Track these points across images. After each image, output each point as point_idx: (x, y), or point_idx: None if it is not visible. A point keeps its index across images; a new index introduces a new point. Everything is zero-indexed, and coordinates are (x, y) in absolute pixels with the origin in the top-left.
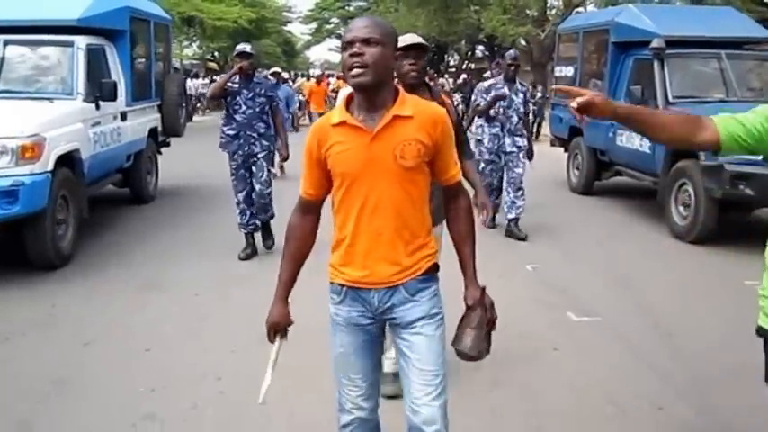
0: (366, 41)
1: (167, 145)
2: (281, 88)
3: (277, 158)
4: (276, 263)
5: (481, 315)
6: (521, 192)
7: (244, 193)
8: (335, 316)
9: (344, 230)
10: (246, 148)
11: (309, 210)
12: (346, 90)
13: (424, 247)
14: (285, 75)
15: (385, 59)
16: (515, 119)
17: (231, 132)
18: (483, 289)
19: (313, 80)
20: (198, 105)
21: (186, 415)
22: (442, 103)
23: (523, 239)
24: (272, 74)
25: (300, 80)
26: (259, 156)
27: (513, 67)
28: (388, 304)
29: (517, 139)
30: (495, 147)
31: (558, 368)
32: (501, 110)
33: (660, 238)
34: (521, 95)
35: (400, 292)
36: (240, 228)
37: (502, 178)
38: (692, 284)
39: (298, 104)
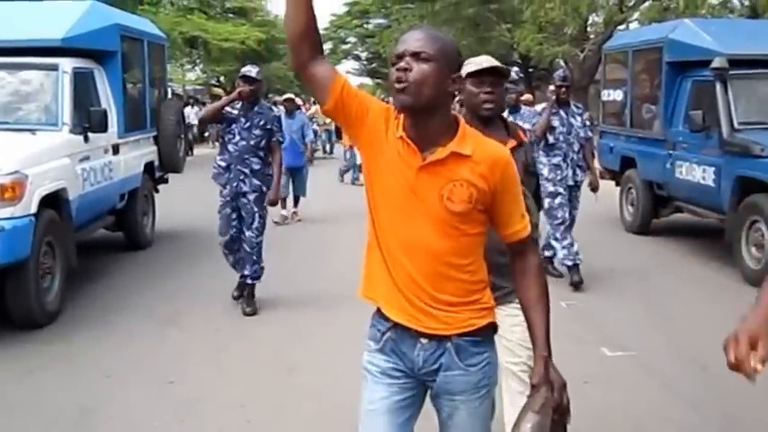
0: (416, 55)
1: (165, 182)
2: (296, 117)
3: (289, 203)
4: (284, 302)
5: (546, 397)
6: (571, 231)
7: (227, 237)
8: (369, 365)
9: (381, 262)
10: (235, 184)
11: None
12: None
13: (478, 302)
14: (299, 101)
15: (435, 80)
16: (577, 146)
17: (223, 164)
18: (552, 366)
19: None
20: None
21: None
22: (519, 143)
23: (560, 276)
24: (285, 101)
25: (315, 107)
26: (248, 196)
27: (563, 89)
28: (435, 366)
29: (578, 171)
30: (559, 178)
31: (587, 400)
32: (561, 136)
33: (729, 284)
34: (578, 118)
35: (450, 353)
36: (227, 259)
37: (572, 212)
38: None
39: (313, 135)
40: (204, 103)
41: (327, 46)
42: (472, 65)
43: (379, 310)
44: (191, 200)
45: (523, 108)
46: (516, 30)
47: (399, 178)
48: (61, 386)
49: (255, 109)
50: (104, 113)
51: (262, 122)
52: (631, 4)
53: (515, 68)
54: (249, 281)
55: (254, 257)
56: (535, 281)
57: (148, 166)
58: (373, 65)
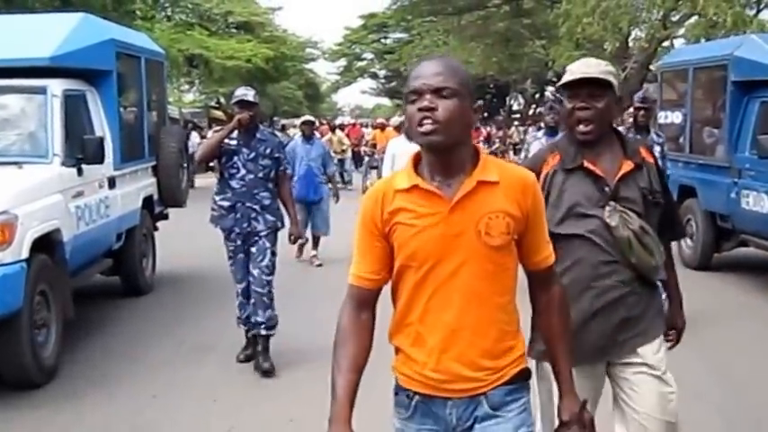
0: (438, 92)
1: (165, 218)
2: (315, 143)
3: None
4: (299, 360)
5: None
6: None
7: (243, 284)
8: None
9: (409, 317)
10: (246, 225)
11: (366, 302)
12: (398, 144)
13: (514, 349)
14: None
15: (463, 115)
16: None
17: (226, 204)
18: (584, 403)
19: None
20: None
21: None
22: (638, 164)
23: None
24: (303, 123)
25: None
26: (261, 234)
27: (642, 111)
28: (470, 422)
29: None
30: None
31: None
32: None
33: None
34: (657, 148)
35: (482, 405)
36: (239, 323)
37: None
38: None
39: (335, 166)
40: (201, 128)
41: (341, 63)
42: (568, 74)
43: (403, 365)
44: (193, 238)
45: (561, 133)
46: (551, 46)
47: (430, 228)
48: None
49: (257, 136)
50: (100, 142)
51: (268, 151)
52: (675, 19)
53: (551, 89)
54: (263, 331)
55: (267, 300)
56: (560, 312)
57: (147, 201)
58: (392, 83)
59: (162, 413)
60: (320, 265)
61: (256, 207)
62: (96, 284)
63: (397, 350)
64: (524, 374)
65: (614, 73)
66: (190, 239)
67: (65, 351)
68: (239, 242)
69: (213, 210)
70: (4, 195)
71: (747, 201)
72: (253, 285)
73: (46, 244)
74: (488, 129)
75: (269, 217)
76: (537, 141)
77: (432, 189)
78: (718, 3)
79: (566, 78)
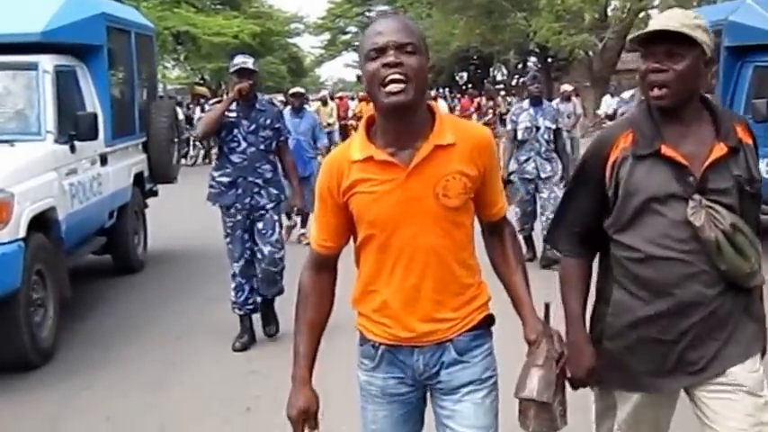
0: (401, 47)
1: (154, 194)
2: (305, 116)
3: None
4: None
5: (548, 349)
6: None
7: (242, 262)
8: (368, 386)
9: (374, 284)
10: (248, 200)
11: (326, 265)
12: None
13: (477, 298)
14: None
15: (426, 72)
16: None
17: (226, 179)
18: (544, 322)
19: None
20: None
21: None
22: (733, 147)
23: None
24: (293, 95)
25: (316, 104)
26: (267, 207)
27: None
28: (436, 368)
29: None
30: None
31: None
32: None
33: None
34: None
35: (449, 351)
36: (234, 308)
37: None
38: None
39: (327, 138)
40: (181, 104)
41: (325, 37)
42: (650, 25)
43: (369, 320)
44: (183, 214)
45: (546, 103)
46: (532, 18)
47: (387, 196)
48: None
49: (257, 107)
50: (94, 118)
51: (268, 121)
52: None
53: (533, 59)
54: (270, 296)
55: (278, 277)
56: (512, 249)
57: (138, 178)
58: None
59: (158, 395)
60: (308, 244)
61: (259, 181)
62: (88, 263)
63: (361, 314)
64: (488, 321)
65: (704, 27)
66: (181, 215)
67: (62, 331)
68: (240, 217)
69: (212, 187)
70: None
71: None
72: (263, 264)
73: (41, 222)
74: (479, 99)
75: (272, 190)
76: (524, 113)
77: (387, 158)
78: None
79: (640, 32)
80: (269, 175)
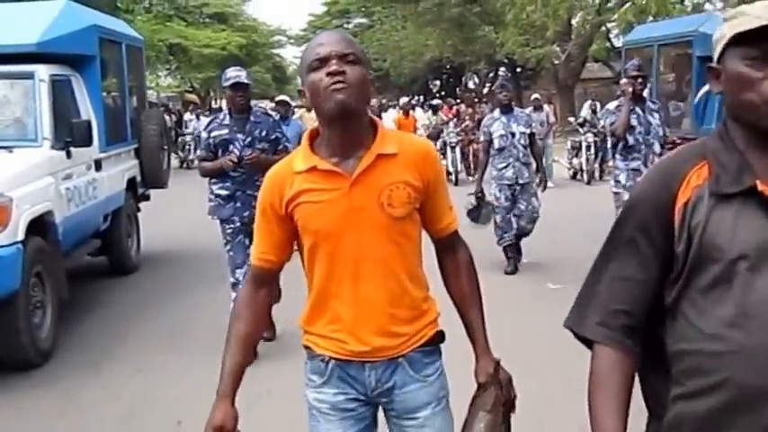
0: (343, 57)
1: (146, 199)
2: (292, 123)
3: None
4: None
5: (496, 395)
6: None
7: (244, 269)
8: (317, 403)
9: (324, 297)
10: (246, 213)
11: (265, 280)
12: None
13: (427, 313)
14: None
15: (367, 82)
16: (657, 147)
17: (224, 192)
18: (497, 362)
19: (396, 111)
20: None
21: None
22: None
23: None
24: (278, 103)
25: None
26: None
27: (639, 80)
28: (389, 384)
29: None
30: None
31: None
32: (639, 137)
33: None
34: (656, 116)
35: (403, 368)
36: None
37: None
38: None
39: None
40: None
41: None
42: (742, 19)
43: (317, 335)
44: (174, 217)
45: (517, 110)
46: (500, 31)
47: (332, 205)
48: None
49: (251, 119)
50: (89, 125)
51: (264, 133)
52: (610, 5)
53: (503, 69)
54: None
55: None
56: (468, 277)
57: (131, 183)
58: None
59: (153, 391)
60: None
61: (257, 194)
62: (83, 264)
63: (309, 332)
64: (439, 337)
65: None
66: (172, 216)
67: (60, 332)
68: (239, 224)
69: (210, 200)
70: None
71: None
72: None
73: (39, 226)
74: (458, 106)
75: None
76: (497, 122)
77: (331, 168)
78: None
79: (744, 26)
80: None
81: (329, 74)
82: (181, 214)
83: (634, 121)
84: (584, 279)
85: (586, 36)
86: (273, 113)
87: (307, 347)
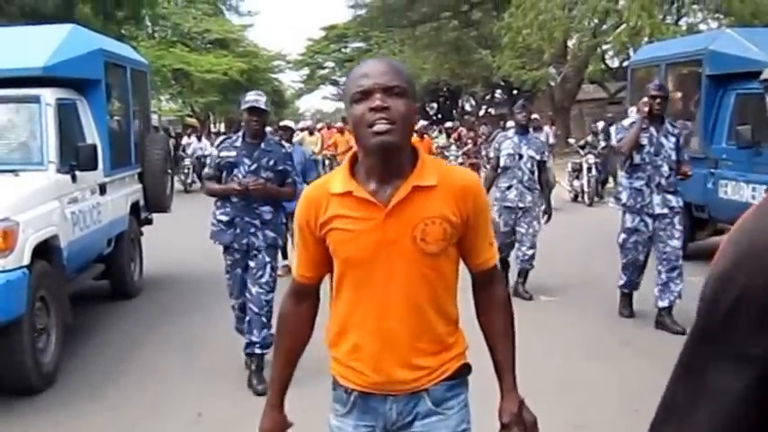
0: (389, 91)
1: (149, 223)
2: (296, 149)
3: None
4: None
5: None
6: (677, 271)
7: (241, 299)
8: (337, 431)
9: (348, 325)
10: (245, 240)
11: (306, 295)
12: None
13: (453, 346)
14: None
15: (413, 115)
16: (666, 169)
17: (225, 218)
18: (521, 402)
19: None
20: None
21: None
22: None
23: (682, 333)
24: (281, 128)
25: (301, 134)
26: (261, 249)
27: (658, 100)
28: (410, 417)
29: (669, 197)
30: (638, 206)
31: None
32: (647, 157)
33: None
34: (671, 139)
35: (424, 401)
36: (238, 330)
37: (649, 252)
38: None
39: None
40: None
41: (304, 72)
42: None
43: (342, 365)
44: (175, 240)
45: (532, 133)
46: (496, 54)
47: (364, 235)
48: None
49: (262, 146)
50: (94, 149)
51: (271, 163)
52: (605, 28)
53: (499, 91)
54: (258, 350)
55: (264, 320)
56: (502, 313)
57: (134, 207)
58: None
59: (156, 420)
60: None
61: (256, 222)
62: (86, 288)
63: (334, 358)
64: (465, 370)
65: None
66: (174, 239)
67: (62, 355)
68: (238, 256)
69: (213, 224)
70: (4, 203)
71: (725, 190)
72: (250, 303)
73: (44, 250)
74: (459, 129)
75: (269, 233)
76: (508, 140)
77: (366, 196)
78: (640, 14)
79: None
80: (267, 217)
81: (372, 109)
82: (182, 238)
83: (644, 141)
84: (570, 291)
85: (582, 58)
86: (288, 146)
87: (333, 377)
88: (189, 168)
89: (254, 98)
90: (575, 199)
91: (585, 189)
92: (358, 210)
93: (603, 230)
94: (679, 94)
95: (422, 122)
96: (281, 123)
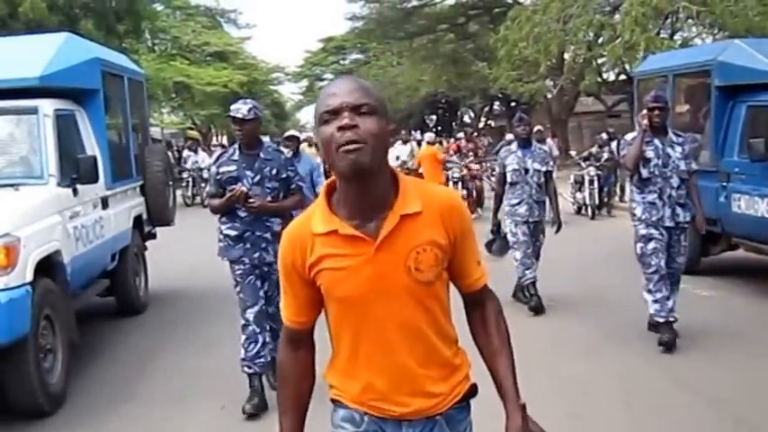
0: (357, 109)
1: (153, 237)
2: (302, 159)
3: None
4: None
5: None
6: (677, 286)
7: (255, 309)
8: None
9: (353, 368)
10: (255, 255)
11: (300, 340)
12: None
13: (460, 368)
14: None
15: (385, 134)
16: (676, 180)
17: (233, 233)
18: (526, 417)
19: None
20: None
21: None
22: None
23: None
24: (287, 138)
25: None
26: (274, 266)
27: (656, 112)
28: None
29: (678, 211)
30: (654, 218)
31: None
32: (656, 170)
33: None
34: (678, 149)
35: (440, 425)
36: (243, 367)
37: (675, 260)
38: None
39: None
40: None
41: (303, 83)
42: None
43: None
44: (179, 255)
45: (536, 145)
46: (493, 66)
47: (355, 273)
48: None
49: (261, 156)
50: (95, 161)
51: (274, 171)
52: (600, 41)
53: (497, 103)
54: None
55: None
56: (497, 328)
57: (137, 221)
58: None
59: None
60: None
61: (267, 235)
62: (90, 305)
63: (342, 394)
64: (472, 391)
65: None
66: (179, 253)
67: (71, 377)
68: (250, 265)
69: (220, 240)
70: (5, 218)
71: (738, 204)
72: (268, 322)
73: (47, 266)
74: (458, 141)
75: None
76: (512, 155)
77: (352, 233)
78: (633, 28)
79: None
80: (278, 229)
81: (340, 128)
82: (184, 251)
83: (651, 154)
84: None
85: (578, 71)
86: (285, 150)
87: (336, 401)
88: (188, 181)
89: (237, 107)
90: (578, 212)
91: (587, 202)
92: (345, 247)
93: (604, 243)
94: (687, 106)
95: (428, 135)
96: (287, 134)
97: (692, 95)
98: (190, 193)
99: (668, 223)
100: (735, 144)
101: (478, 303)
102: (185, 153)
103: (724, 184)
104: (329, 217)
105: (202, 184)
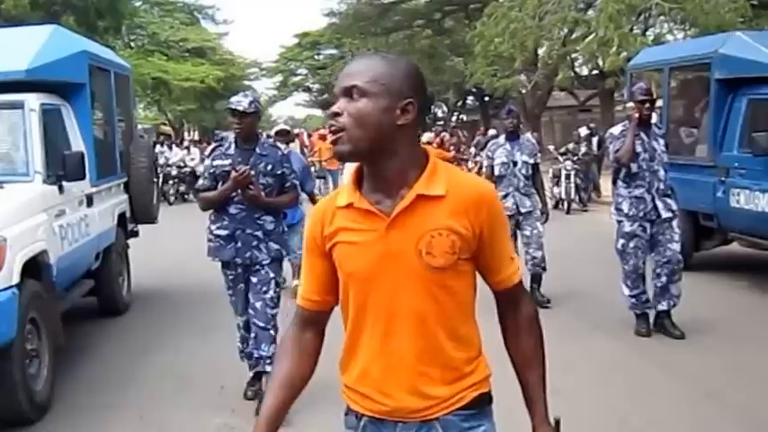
0: (348, 93)
1: (136, 235)
2: (292, 156)
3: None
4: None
5: None
6: (677, 275)
7: (246, 316)
8: None
9: (354, 349)
10: (247, 254)
11: (311, 323)
12: None
13: (471, 375)
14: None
15: (372, 118)
16: (662, 173)
17: (223, 232)
18: (558, 426)
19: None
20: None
21: None
22: None
23: (681, 337)
24: (278, 133)
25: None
26: (264, 263)
27: (646, 105)
28: None
29: (669, 201)
30: (641, 213)
31: None
32: (644, 164)
33: None
34: (661, 141)
35: (436, 431)
36: (242, 357)
37: (645, 260)
38: None
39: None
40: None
41: (278, 78)
42: None
43: (351, 390)
44: (164, 253)
45: (524, 137)
46: (469, 62)
47: (366, 248)
48: None
49: (257, 151)
50: (82, 158)
51: (269, 167)
52: (574, 37)
53: (470, 98)
54: (268, 368)
55: (273, 333)
56: (530, 334)
57: (121, 218)
58: (324, 96)
59: None
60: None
61: (259, 233)
62: (73, 305)
63: (346, 384)
64: (485, 399)
65: None
66: (162, 250)
67: (55, 382)
68: (240, 270)
69: (209, 240)
70: None
71: (737, 199)
72: (255, 319)
73: (33, 267)
74: (442, 135)
75: (272, 245)
76: (500, 148)
77: (368, 207)
78: (607, 24)
79: None
80: (270, 227)
81: (327, 116)
82: (165, 250)
83: (639, 148)
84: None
85: (552, 66)
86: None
87: (345, 401)
88: (159, 177)
89: (238, 99)
90: (555, 206)
91: (563, 196)
92: (361, 222)
93: (578, 238)
94: (683, 100)
95: (427, 135)
96: (277, 128)
97: (689, 89)
98: (165, 189)
99: (665, 215)
100: (735, 138)
101: (511, 304)
102: (158, 149)
103: (722, 178)
104: (352, 191)
105: (170, 181)
